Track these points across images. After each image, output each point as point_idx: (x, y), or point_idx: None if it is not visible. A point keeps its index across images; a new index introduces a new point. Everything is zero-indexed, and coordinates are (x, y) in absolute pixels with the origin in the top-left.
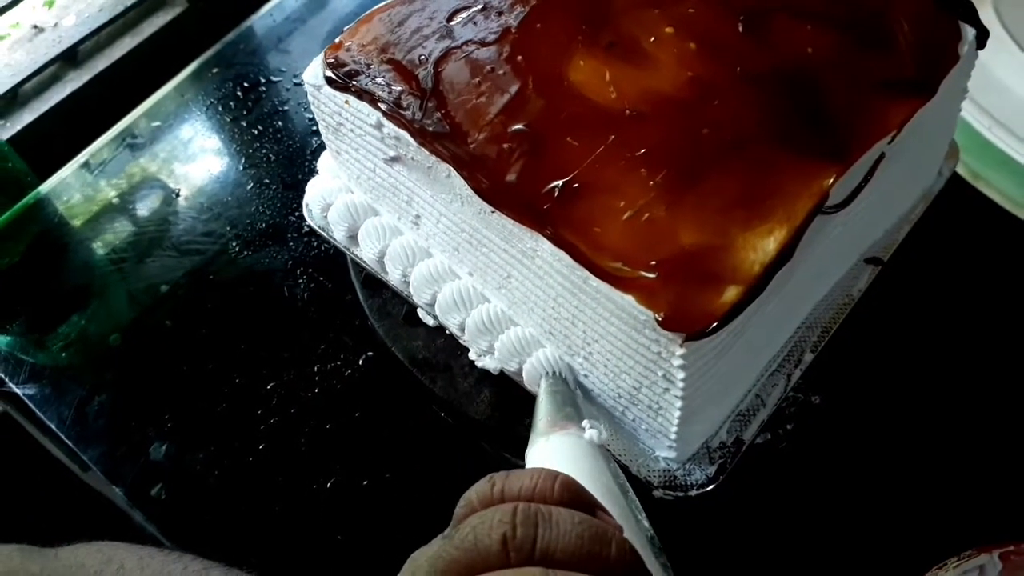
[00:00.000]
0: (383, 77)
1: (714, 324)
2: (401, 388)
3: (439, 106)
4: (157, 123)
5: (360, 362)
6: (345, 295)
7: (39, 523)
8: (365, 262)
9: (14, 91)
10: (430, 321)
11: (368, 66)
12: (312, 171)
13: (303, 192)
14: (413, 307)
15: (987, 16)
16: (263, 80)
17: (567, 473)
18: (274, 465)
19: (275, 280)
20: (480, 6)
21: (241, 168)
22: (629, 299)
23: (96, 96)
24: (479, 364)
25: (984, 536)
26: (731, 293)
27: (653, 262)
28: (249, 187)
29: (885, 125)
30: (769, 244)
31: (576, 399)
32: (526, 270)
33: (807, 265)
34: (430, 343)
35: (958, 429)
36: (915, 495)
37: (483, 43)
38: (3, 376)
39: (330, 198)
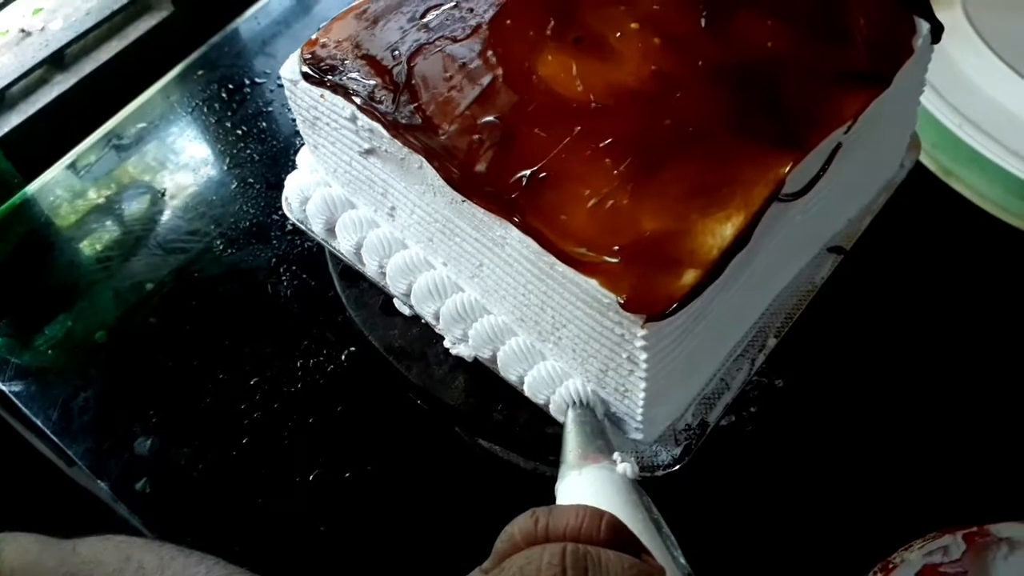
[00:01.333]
0: (358, 72)
1: (674, 306)
2: (380, 379)
3: (412, 99)
4: (143, 124)
5: (342, 357)
6: (327, 292)
7: (25, 518)
8: (343, 254)
9: (1, 94)
10: (406, 311)
11: (343, 61)
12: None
13: None
14: (389, 297)
15: (956, 17)
16: (247, 82)
17: (603, 509)
18: (257, 459)
19: (259, 277)
20: (452, 3)
21: (225, 168)
22: (593, 283)
23: (83, 98)
24: (453, 352)
25: (946, 518)
26: (690, 276)
27: (616, 247)
28: (233, 186)
29: (841, 115)
30: (727, 229)
31: (605, 430)
32: (497, 258)
33: (768, 252)
34: (406, 332)
35: (920, 413)
36: (878, 478)
37: (455, 39)
38: None
39: (308, 192)
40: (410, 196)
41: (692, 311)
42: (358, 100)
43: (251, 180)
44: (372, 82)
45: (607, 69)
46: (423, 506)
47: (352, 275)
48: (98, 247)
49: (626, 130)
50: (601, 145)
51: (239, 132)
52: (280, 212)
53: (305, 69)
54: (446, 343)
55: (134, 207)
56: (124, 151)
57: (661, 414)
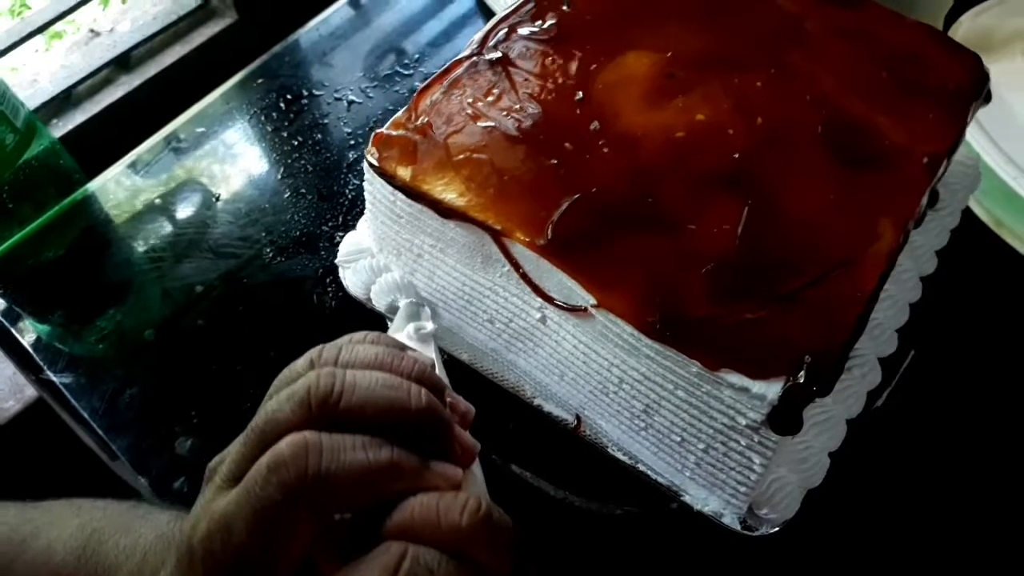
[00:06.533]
0: None
1: None
2: None
3: None
4: (202, 129)
5: None
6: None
7: None
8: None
9: (68, 92)
10: None
11: None
12: (347, 184)
13: (337, 203)
14: None
15: (1015, 65)
16: (305, 93)
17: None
18: None
19: (305, 287)
20: None
21: (279, 177)
22: None
23: (145, 100)
24: None
25: None
26: None
27: None
28: (286, 196)
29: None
30: None
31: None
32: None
33: None
34: None
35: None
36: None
37: None
38: (42, 364)
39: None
40: None
41: None
42: None
43: (303, 191)
44: None
45: None
46: None
47: None
48: (152, 246)
49: None
50: None
51: (295, 142)
52: (330, 223)
53: None
54: None
55: (189, 210)
56: (182, 154)
57: None
